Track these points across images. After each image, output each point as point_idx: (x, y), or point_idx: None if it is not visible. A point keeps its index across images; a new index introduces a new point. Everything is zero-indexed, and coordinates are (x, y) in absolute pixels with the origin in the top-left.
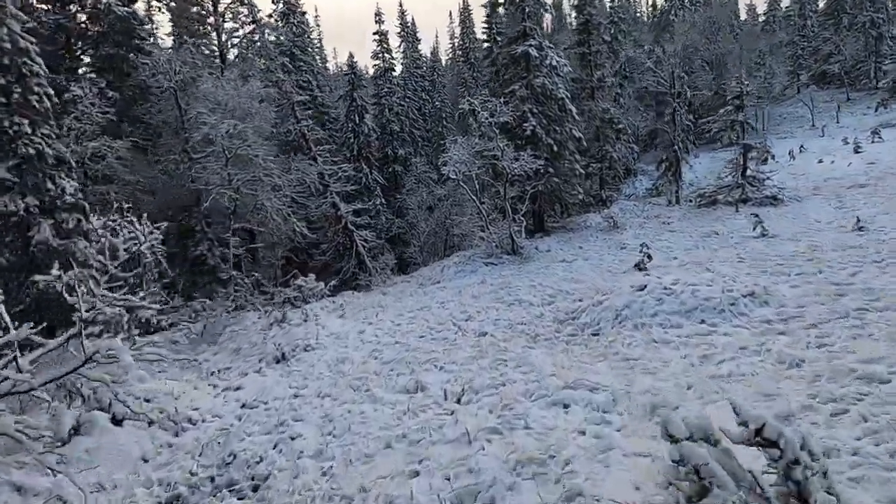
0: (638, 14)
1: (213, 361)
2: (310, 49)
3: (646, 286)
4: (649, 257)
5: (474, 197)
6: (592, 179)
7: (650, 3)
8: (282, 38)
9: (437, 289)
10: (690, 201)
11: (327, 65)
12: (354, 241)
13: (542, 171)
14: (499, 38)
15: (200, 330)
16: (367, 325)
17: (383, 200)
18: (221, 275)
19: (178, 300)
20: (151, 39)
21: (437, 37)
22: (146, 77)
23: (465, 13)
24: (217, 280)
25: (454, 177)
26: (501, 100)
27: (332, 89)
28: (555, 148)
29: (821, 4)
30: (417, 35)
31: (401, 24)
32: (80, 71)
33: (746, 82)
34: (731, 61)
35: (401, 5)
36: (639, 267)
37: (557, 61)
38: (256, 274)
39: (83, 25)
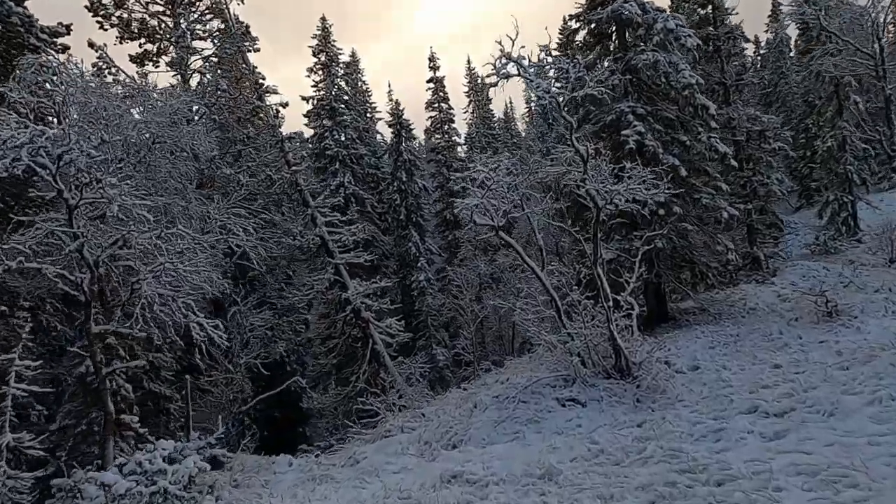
0: None
1: None
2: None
3: None
4: None
5: (525, 257)
6: (736, 229)
7: None
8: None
9: (447, 468)
10: None
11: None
12: (370, 336)
13: (660, 211)
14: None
15: None
16: None
17: (429, 276)
18: None
19: None
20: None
21: (510, 101)
22: None
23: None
24: None
25: (479, 222)
26: (580, 60)
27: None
28: (682, 172)
29: None
30: (488, 95)
31: (469, 80)
32: None
33: None
34: None
35: (469, 62)
36: None
37: (676, 25)
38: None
39: None
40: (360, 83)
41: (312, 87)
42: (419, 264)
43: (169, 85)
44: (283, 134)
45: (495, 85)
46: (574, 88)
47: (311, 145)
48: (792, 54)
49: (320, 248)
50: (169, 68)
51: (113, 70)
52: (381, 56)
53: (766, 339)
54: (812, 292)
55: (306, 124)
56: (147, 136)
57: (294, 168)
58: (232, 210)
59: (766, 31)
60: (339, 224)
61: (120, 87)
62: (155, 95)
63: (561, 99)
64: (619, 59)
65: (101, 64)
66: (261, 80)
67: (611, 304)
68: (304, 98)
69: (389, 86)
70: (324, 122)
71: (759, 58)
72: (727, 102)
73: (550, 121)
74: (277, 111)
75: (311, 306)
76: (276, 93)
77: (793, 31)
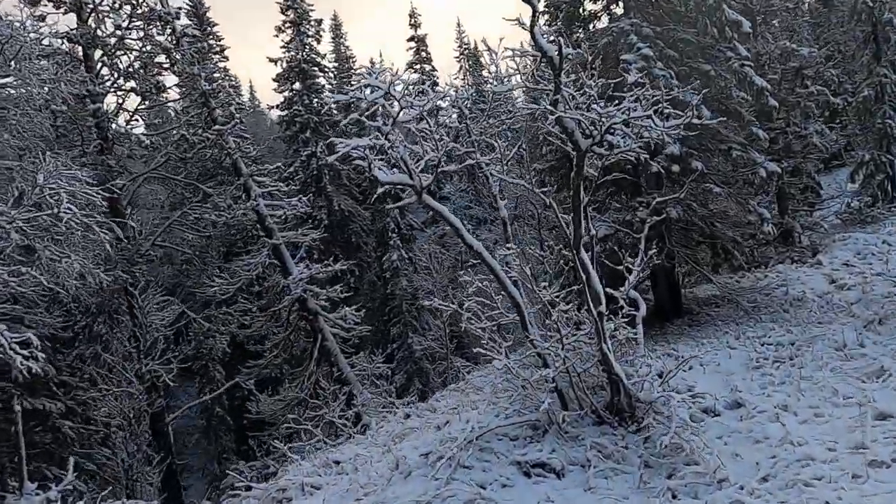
0: None
1: None
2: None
3: None
4: None
5: (464, 234)
6: (763, 195)
7: None
8: None
9: None
10: None
11: None
12: (320, 330)
13: (674, 168)
14: None
15: None
16: None
17: (402, 254)
18: None
19: None
20: None
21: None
22: None
23: None
24: None
25: (382, 179)
26: None
27: None
28: (705, 113)
29: None
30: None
31: (460, 44)
32: None
33: None
34: None
35: (458, 24)
36: None
37: None
38: None
39: None
40: (342, 48)
41: (282, 47)
42: (392, 241)
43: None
44: (209, 86)
45: None
46: None
47: (280, 112)
48: None
49: (257, 225)
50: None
51: None
52: (377, 27)
53: (839, 352)
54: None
55: (275, 89)
56: None
57: (219, 128)
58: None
59: None
60: (282, 195)
61: None
62: None
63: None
64: None
65: None
66: (173, 20)
67: (603, 308)
68: (271, 60)
69: (381, 56)
70: (293, 86)
71: None
72: (753, 35)
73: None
74: (197, 57)
75: (260, 296)
76: (196, 37)
77: None
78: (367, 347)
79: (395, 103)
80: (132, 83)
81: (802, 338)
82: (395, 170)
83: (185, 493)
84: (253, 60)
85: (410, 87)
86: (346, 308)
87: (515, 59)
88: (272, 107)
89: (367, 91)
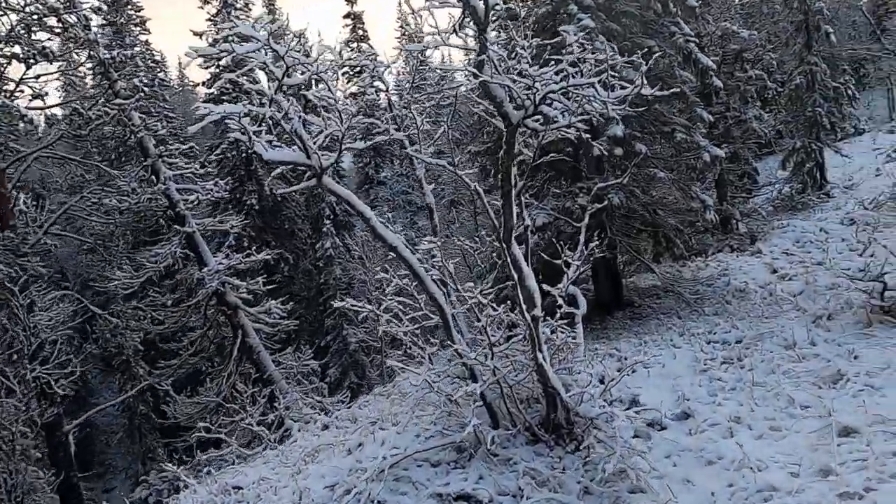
0: None
1: None
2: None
3: None
4: None
5: (375, 224)
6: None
7: None
8: None
9: None
10: None
11: None
12: (240, 325)
13: (616, 150)
14: None
15: None
16: None
17: (336, 242)
18: None
19: None
20: None
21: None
22: None
23: None
24: None
25: (268, 158)
26: None
27: None
28: (647, 91)
29: None
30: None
31: (402, 24)
32: None
33: None
34: None
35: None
36: None
37: None
38: None
39: None
40: (276, 21)
41: (208, 20)
42: (325, 229)
43: None
44: (109, 55)
45: None
46: None
47: (207, 90)
48: None
49: (168, 212)
50: None
51: None
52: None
53: (790, 352)
54: (846, 272)
55: (200, 65)
56: None
57: (121, 102)
58: None
59: None
60: (196, 178)
61: None
62: None
63: None
64: None
65: None
66: None
67: (538, 311)
68: (196, 33)
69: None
70: (220, 62)
71: None
72: (695, 16)
73: None
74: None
75: (174, 289)
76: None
77: None
78: (301, 340)
79: (282, 62)
80: (14, 48)
81: (749, 334)
82: (294, 147)
83: (108, 495)
84: (185, 35)
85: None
86: (272, 301)
87: (433, 13)
88: (196, 84)
89: (241, 43)
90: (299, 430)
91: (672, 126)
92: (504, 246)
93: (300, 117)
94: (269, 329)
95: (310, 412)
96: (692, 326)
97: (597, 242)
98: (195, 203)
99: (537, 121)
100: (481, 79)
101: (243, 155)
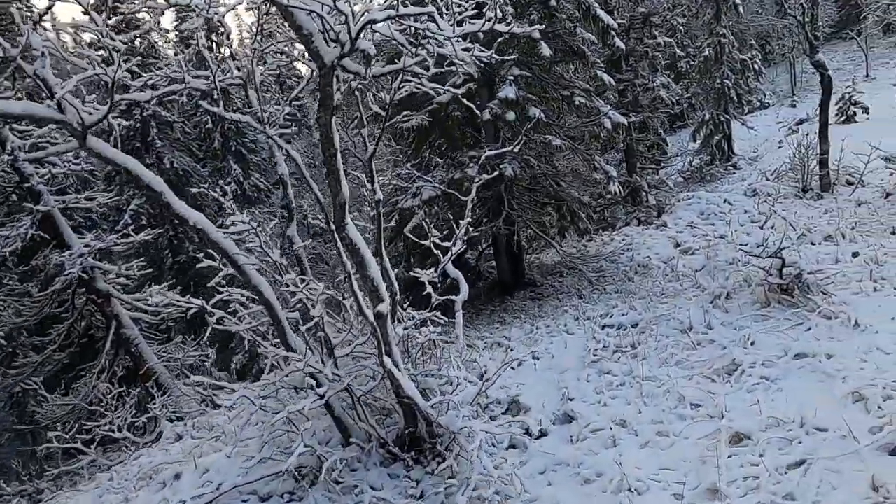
0: None
1: None
2: None
3: None
4: None
5: (164, 192)
6: (614, 152)
7: None
8: None
9: None
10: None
11: None
12: (115, 316)
13: (508, 116)
14: None
15: None
16: None
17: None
18: None
19: None
20: None
21: None
22: None
23: None
24: None
25: (6, 110)
26: None
27: None
28: (544, 51)
29: None
30: None
31: None
32: None
33: None
34: None
35: None
36: None
37: None
38: None
39: None
40: None
41: None
42: (227, 205)
43: None
44: None
45: None
46: None
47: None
48: None
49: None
50: None
51: None
52: None
53: (685, 337)
54: (748, 249)
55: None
56: None
57: None
58: None
59: None
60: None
61: None
62: None
63: None
64: None
65: None
66: None
67: (385, 307)
68: None
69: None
70: (107, 21)
71: None
72: None
73: None
74: None
75: (30, 276)
76: None
77: None
78: (198, 328)
79: None
80: None
81: (647, 317)
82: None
83: None
84: None
85: None
86: (155, 286)
87: None
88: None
89: None
90: (157, 440)
91: (571, 89)
92: (334, 229)
93: (46, 53)
94: (150, 318)
95: (199, 408)
96: (588, 309)
97: (489, 215)
98: (51, 177)
99: (357, 60)
100: (279, 3)
101: (137, 125)
